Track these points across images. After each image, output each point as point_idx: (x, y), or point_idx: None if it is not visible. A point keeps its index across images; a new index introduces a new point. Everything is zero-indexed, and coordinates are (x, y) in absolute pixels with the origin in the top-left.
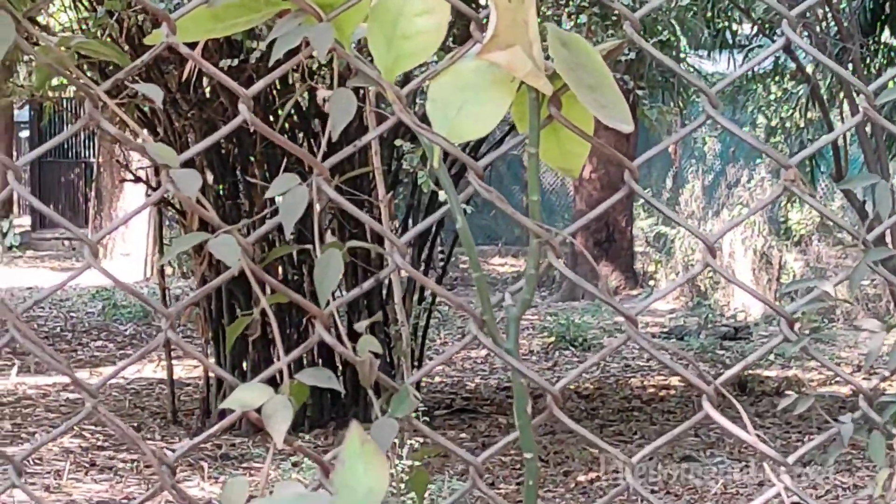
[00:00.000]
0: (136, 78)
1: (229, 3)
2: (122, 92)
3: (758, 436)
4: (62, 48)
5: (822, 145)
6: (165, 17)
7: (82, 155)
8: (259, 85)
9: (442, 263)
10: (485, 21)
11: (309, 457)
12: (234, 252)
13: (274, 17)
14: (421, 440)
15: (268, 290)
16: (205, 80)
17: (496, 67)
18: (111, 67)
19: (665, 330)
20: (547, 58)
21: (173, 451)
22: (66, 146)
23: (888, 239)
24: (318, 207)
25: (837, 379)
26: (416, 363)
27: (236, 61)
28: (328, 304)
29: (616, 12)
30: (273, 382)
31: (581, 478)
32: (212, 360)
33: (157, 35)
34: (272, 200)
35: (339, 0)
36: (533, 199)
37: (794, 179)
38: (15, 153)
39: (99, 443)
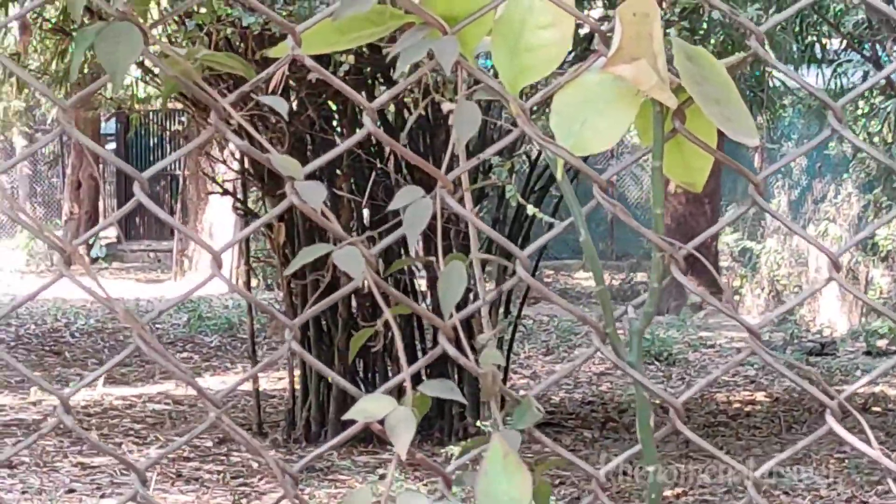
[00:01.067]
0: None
1: (353, 16)
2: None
3: (881, 450)
4: (188, 60)
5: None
6: (291, 29)
7: (168, 167)
8: (383, 98)
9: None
10: (609, 35)
11: (431, 469)
12: (358, 264)
13: (396, 31)
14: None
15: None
16: (291, 94)
17: (621, 81)
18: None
19: (748, 345)
20: (670, 71)
21: (259, 462)
22: (151, 159)
23: None
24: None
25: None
26: (503, 374)
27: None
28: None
29: (703, 27)
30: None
31: (667, 493)
32: (297, 372)
33: (281, 48)
34: (360, 214)
35: (463, 13)
36: (657, 212)
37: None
38: (101, 166)
39: (185, 454)
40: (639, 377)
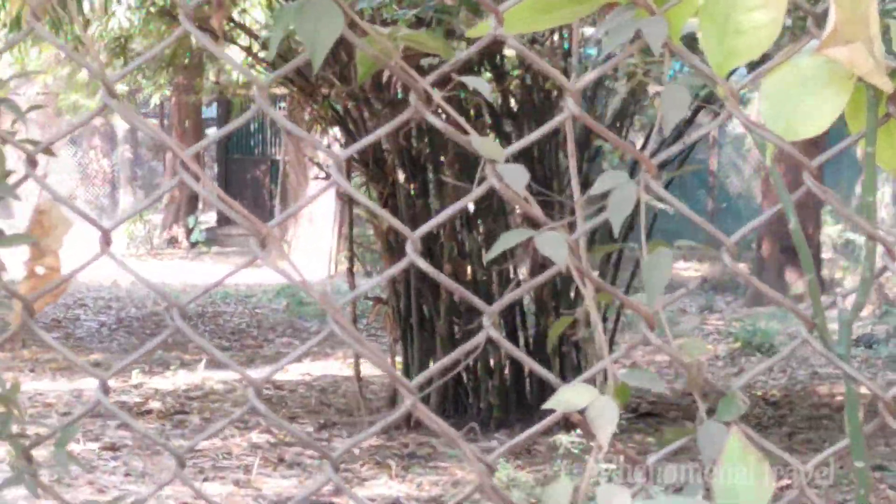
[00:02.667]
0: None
1: None
2: (447, 85)
3: None
4: (390, 40)
5: None
6: (494, 9)
7: (268, 152)
8: (587, 78)
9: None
10: (821, 17)
11: (630, 459)
12: (561, 249)
13: (600, 9)
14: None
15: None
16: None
17: (834, 64)
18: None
19: (853, 338)
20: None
21: (360, 448)
22: (252, 143)
23: None
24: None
25: None
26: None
27: (436, 59)
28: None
29: None
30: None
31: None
32: (398, 359)
33: (482, 27)
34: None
35: None
36: (868, 199)
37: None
38: (203, 151)
39: (287, 438)
40: (849, 370)
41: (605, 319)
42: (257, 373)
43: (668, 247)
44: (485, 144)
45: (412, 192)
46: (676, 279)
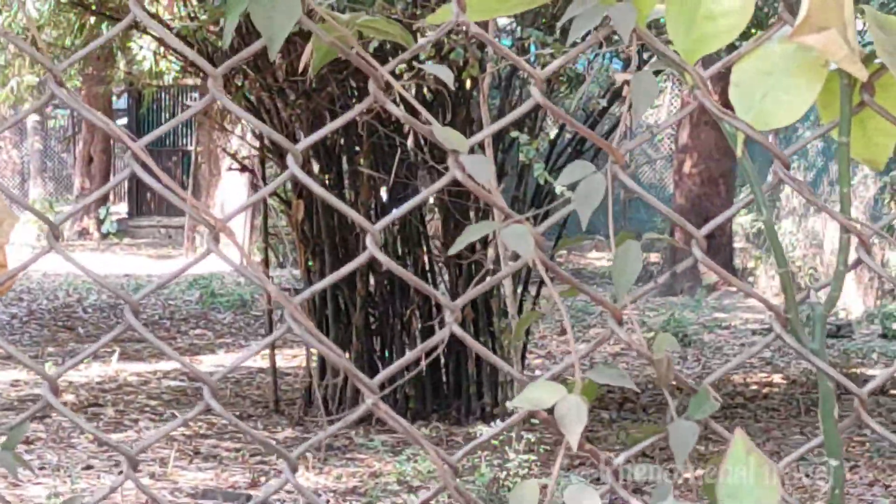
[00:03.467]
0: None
1: None
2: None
3: None
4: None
5: None
6: None
7: (180, 143)
8: (552, 67)
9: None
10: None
11: (596, 458)
12: (527, 242)
13: None
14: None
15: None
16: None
17: (806, 51)
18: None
19: (766, 326)
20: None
21: (276, 440)
22: (164, 134)
23: None
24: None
25: None
26: (520, 354)
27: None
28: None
29: None
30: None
31: (688, 475)
32: (313, 350)
33: (443, 13)
34: (377, 192)
35: None
36: (843, 191)
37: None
38: (113, 142)
39: (202, 431)
40: (823, 366)
41: (519, 312)
42: (172, 364)
43: (636, 239)
44: (448, 134)
45: (327, 183)
46: (591, 268)
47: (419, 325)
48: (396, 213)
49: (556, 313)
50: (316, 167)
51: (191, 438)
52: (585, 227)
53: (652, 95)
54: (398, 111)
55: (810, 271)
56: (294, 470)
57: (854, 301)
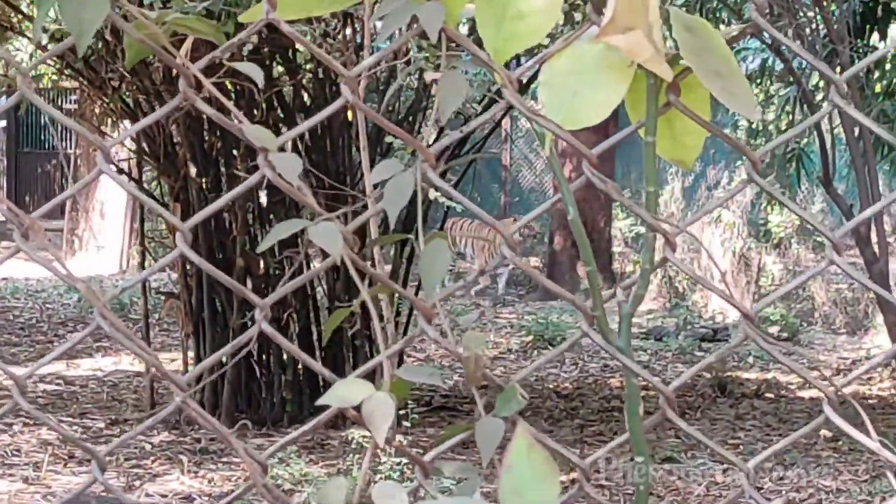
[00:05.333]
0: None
1: None
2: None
3: (881, 441)
4: (157, 24)
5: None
6: None
7: (60, 146)
8: (363, 65)
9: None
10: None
11: (409, 457)
12: (335, 241)
13: None
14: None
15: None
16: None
17: (613, 51)
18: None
19: (643, 331)
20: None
21: (152, 444)
22: (43, 137)
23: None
24: (421, 194)
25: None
26: (397, 358)
27: (227, 55)
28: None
29: None
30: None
31: (563, 478)
32: (191, 353)
33: (255, 11)
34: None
35: None
36: (650, 189)
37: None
38: None
39: (77, 435)
40: (628, 363)
41: (398, 313)
42: (48, 368)
43: (445, 238)
44: (257, 132)
45: (204, 187)
46: (469, 274)
47: (296, 328)
48: (204, 212)
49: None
50: (193, 170)
51: (65, 443)
52: (394, 225)
53: (461, 94)
54: (209, 109)
55: (688, 275)
56: (103, 469)
57: (730, 306)
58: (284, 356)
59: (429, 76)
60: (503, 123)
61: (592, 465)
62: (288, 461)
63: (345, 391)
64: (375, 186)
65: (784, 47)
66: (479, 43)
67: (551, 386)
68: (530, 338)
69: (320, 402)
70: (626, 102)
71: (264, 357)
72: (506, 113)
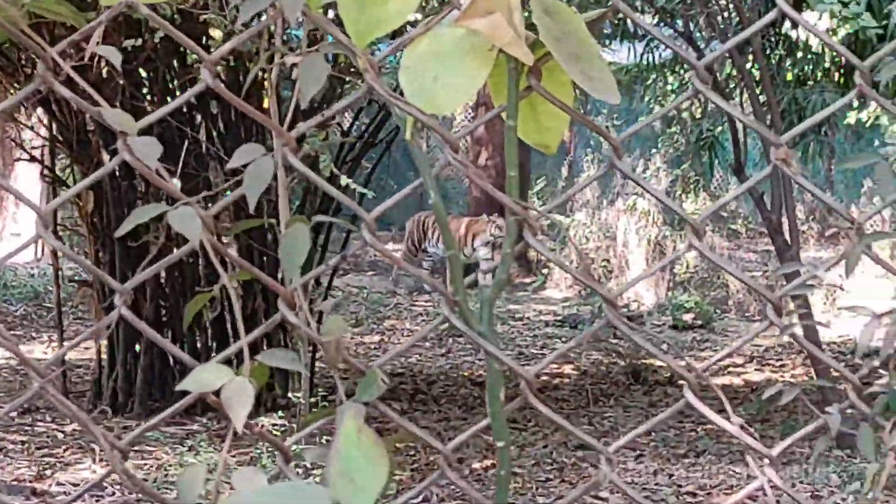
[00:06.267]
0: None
1: None
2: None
3: (742, 427)
4: (16, 7)
5: (815, 121)
6: None
7: None
8: (223, 49)
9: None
10: None
11: (269, 442)
12: (194, 225)
13: None
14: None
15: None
16: (103, 62)
17: (475, 35)
18: None
19: (559, 318)
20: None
21: (64, 433)
22: None
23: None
24: (283, 179)
25: (731, 369)
26: (310, 349)
27: (139, 41)
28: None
29: None
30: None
31: (476, 465)
32: (104, 342)
33: None
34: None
35: None
36: (511, 174)
37: (786, 158)
38: None
39: None
40: (490, 348)
41: (313, 301)
42: None
43: (305, 223)
44: (116, 116)
45: (117, 174)
46: (387, 261)
47: (210, 316)
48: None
49: (353, 304)
50: (107, 157)
51: None
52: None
53: (321, 78)
54: (67, 92)
55: (604, 263)
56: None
57: (646, 292)
58: (198, 344)
59: (289, 60)
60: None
61: (455, 451)
62: (198, 449)
63: (204, 376)
64: (235, 171)
65: (697, 35)
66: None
67: (465, 374)
68: (446, 325)
69: (179, 387)
70: (489, 86)
71: (178, 345)
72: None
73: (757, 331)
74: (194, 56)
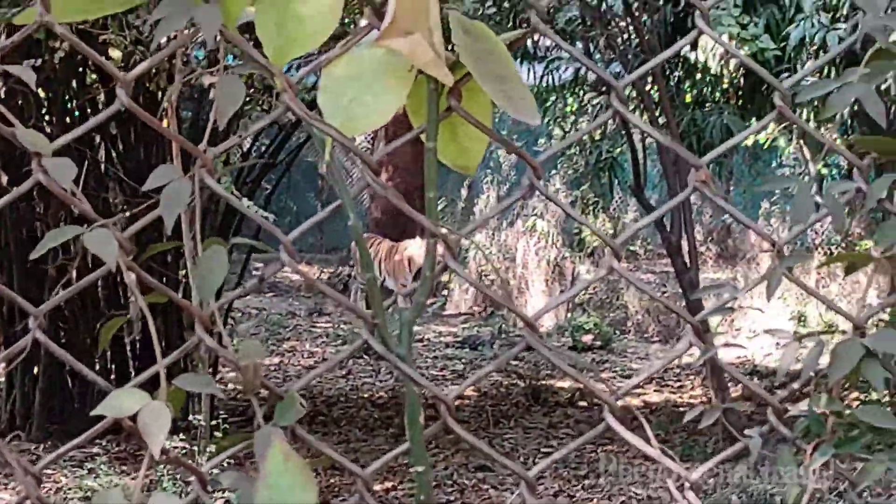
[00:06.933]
0: None
1: None
2: None
3: (661, 450)
4: None
5: (737, 142)
6: None
7: None
8: (139, 70)
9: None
10: (382, 7)
11: (186, 467)
12: (111, 247)
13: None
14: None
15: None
16: None
17: (393, 55)
18: None
19: (458, 339)
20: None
21: None
22: None
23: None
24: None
25: (630, 391)
26: (211, 370)
27: (39, 61)
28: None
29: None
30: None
31: (377, 487)
32: (1, 365)
33: (29, 14)
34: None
35: None
36: (430, 195)
37: (706, 180)
38: None
39: None
40: (408, 371)
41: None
42: None
43: (222, 245)
44: (30, 137)
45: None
46: (287, 282)
47: (108, 340)
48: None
49: (253, 326)
50: (5, 179)
51: None
52: (171, 229)
53: (238, 98)
54: None
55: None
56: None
57: (544, 314)
58: (97, 367)
59: (206, 80)
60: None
61: (372, 475)
62: (98, 472)
63: (120, 401)
64: (149, 192)
65: (596, 56)
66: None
67: (366, 395)
68: (345, 346)
69: (94, 412)
70: (407, 107)
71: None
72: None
73: (678, 353)
74: (94, 76)
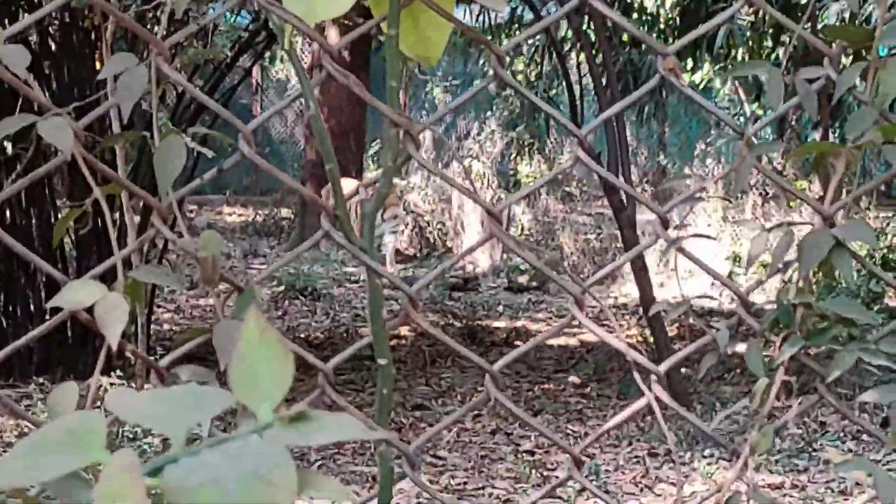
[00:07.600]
0: None
1: None
2: None
3: (629, 344)
4: None
5: (706, 29)
6: None
7: None
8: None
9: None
10: None
11: (143, 360)
12: (66, 136)
13: None
14: None
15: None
16: None
17: None
18: None
19: (402, 278)
20: None
21: None
22: None
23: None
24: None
25: (566, 330)
26: (147, 307)
27: None
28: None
29: None
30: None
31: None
32: None
33: None
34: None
35: None
36: (392, 84)
37: (673, 68)
38: None
39: None
40: (370, 262)
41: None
42: None
43: (179, 135)
44: None
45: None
46: (222, 223)
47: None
48: None
49: (189, 268)
50: None
51: None
52: (128, 118)
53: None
54: None
55: (438, 225)
56: None
57: (481, 255)
58: (31, 305)
59: None
60: (253, 73)
61: (333, 369)
62: (34, 411)
63: (76, 293)
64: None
65: None
66: None
67: (303, 336)
68: (282, 288)
69: (50, 303)
70: None
71: (11, 307)
72: (255, 62)
73: (645, 245)
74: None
